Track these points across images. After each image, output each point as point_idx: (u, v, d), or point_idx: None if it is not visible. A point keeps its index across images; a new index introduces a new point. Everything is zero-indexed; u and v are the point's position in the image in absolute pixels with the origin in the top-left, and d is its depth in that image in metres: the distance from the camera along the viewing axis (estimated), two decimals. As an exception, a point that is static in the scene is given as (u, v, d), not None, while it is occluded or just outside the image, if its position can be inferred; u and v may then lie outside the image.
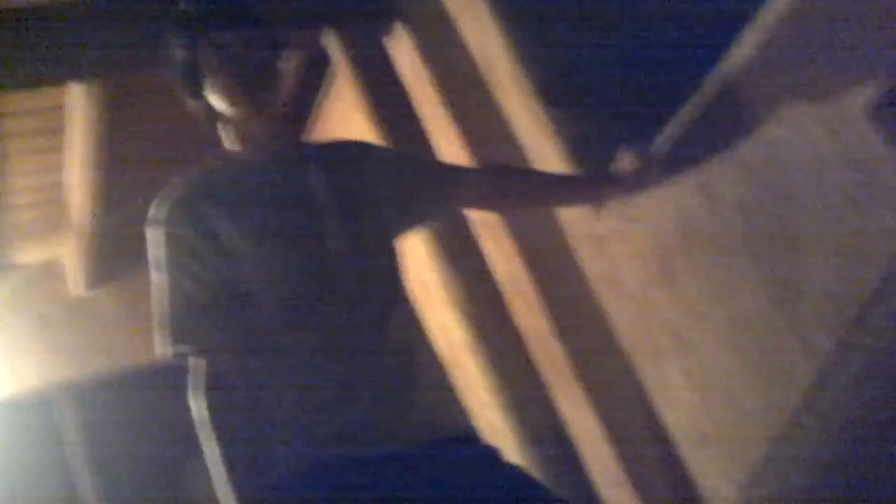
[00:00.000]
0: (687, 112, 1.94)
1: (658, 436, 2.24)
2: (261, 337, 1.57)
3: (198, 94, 1.68)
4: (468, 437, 1.70)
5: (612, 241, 2.21)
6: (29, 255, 4.55)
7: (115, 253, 4.30)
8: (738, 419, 1.97)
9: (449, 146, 2.80)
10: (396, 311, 1.66)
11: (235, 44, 1.64)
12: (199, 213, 1.59)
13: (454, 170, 2.03)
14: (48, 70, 2.66)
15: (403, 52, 2.92)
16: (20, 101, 3.28)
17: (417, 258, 2.68)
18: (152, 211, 1.63)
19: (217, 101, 1.66)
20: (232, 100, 1.65)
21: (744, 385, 1.94)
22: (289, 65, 1.76)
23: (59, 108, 3.39)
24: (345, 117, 3.42)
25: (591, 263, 2.33)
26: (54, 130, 3.54)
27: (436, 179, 1.90)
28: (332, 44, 2.90)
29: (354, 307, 1.59)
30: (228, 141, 1.71)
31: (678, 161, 1.97)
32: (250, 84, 1.64)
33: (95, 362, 4.59)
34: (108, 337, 4.62)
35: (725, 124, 1.85)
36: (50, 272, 4.66)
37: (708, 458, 2.11)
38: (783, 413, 1.81)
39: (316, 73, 3.47)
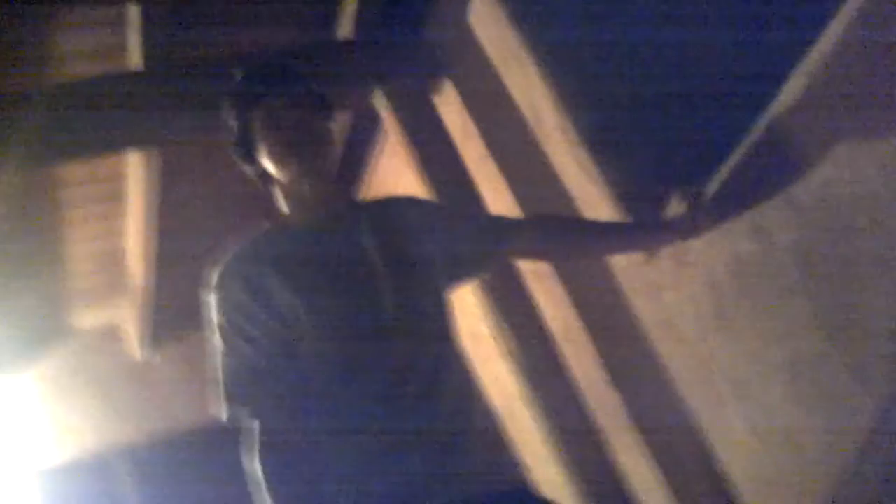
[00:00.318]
0: (738, 155, 1.95)
1: (720, 485, 2.20)
2: (315, 396, 1.59)
3: (252, 160, 1.73)
4: (523, 491, 1.69)
5: (666, 287, 2.20)
6: (88, 319, 4.64)
7: (172, 316, 4.37)
8: (801, 464, 1.93)
9: (498, 199, 2.82)
10: (449, 366, 1.67)
11: (286, 109, 1.69)
12: (253, 276, 1.62)
13: (504, 222, 2.05)
14: (108, 139, 2.76)
15: (451, 108, 2.97)
16: (82, 169, 3.38)
17: (468, 310, 2.69)
18: (208, 276, 1.67)
19: (270, 165, 1.70)
20: (284, 163, 1.69)
21: (805, 429, 1.90)
22: (339, 126, 1.81)
23: (118, 177, 3.49)
24: (396, 174, 3.47)
25: (645, 310, 2.32)
26: (114, 198, 3.64)
27: (486, 232, 1.92)
28: (381, 102, 2.96)
29: (408, 364, 1.61)
30: (282, 204, 1.75)
31: (730, 204, 1.97)
32: (301, 148, 1.68)
33: (154, 425, 4.63)
34: (166, 399, 4.67)
35: (777, 166, 1.85)
36: (109, 336, 4.73)
37: (771, 503, 2.07)
38: (846, 456, 1.78)
39: (367, 133, 3.53)
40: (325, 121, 1.74)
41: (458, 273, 1.86)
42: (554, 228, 2.04)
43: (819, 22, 1.73)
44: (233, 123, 1.72)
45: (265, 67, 1.77)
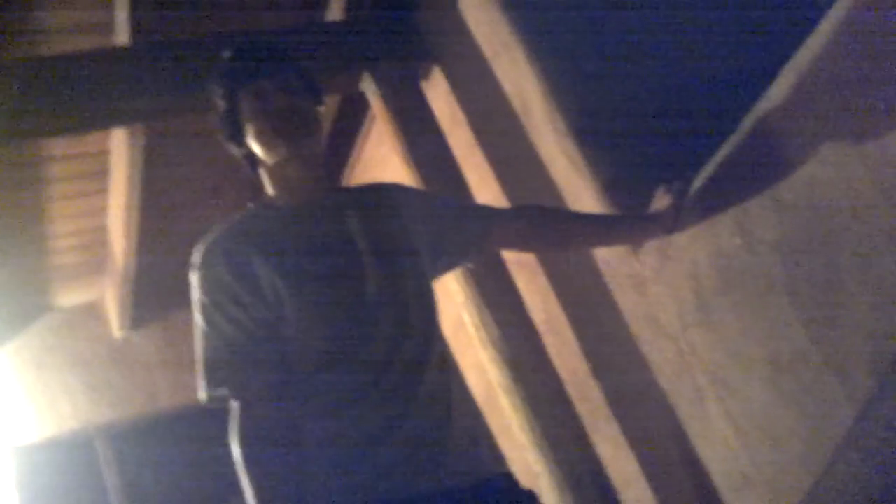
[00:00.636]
0: (724, 152, 1.95)
1: (698, 477, 2.21)
2: (297, 379, 1.58)
3: (239, 141, 1.72)
4: (504, 480, 1.69)
5: (650, 281, 2.20)
6: (70, 297, 4.62)
7: (154, 295, 4.36)
8: (780, 460, 1.94)
9: (485, 187, 2.82)
10: (433, 353, 1.67)
11: (275, 91, 1.68)
12: (238, 257, 1.61)
13: (490, 211, 2.05)
14: (93, 115, 2.73)
15: (440, 94, 2.96)
16: (64, 145, 3.36)
17: (451, 298, 2.69)
18: (193, 256, 1.66)
19: (257, 148, 1.69)
20: (271, 146, 1.68)
21: (784, 425, 1.91)
22: (326, 110, 1.80)
23: (102, 154, 3.47)
24: (382, 160, 3.46)
25: (628, 303, 2.32)
26: (97, 175, 3.61)
27: (471, 221, 1.92)
28: (369, 87, 2.95)
29: (392, 349, 1.61)
30: (268, 186, 1.74)
31: (715, 200, 1.97)
32: (289, 130, 1.67)
33: (135, 403, 4.62)
34: (147, 377, 4.66)
35: (763, 164, 1.85)
36: (90, 314, 4.72)
37: (749, 499, 2.08)
38: (824, 453, 1.79)
39: (354, 117, 3.52)
40: (313, 104, 1.73)
41: (442, 261, 1.86)
42: (539, 219, 2.04)
43: (808, 20, 1.73)
44: (220, 103, 1.70)
45: (254, 48, 1.76)
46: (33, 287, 4.41)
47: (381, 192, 1.85)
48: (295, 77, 1.72)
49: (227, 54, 1.75)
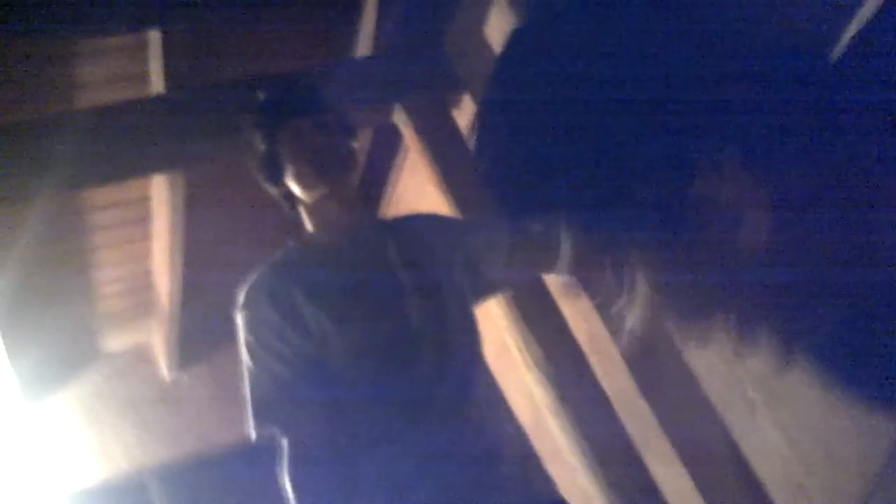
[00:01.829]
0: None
1: (752, 490, 2.18)
2: (343, 413, 1.60)
3: (277, 181, 1.74)
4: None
5: (693, 295, 2.19)
6: (118, 342, 4.68)
7: (201, 335, 4.40)
8: (834, 468, 1.92)
9: (521, 211, 2.82)
10: (476, 381, 1.67)
11: (314, 130, 1.70)
12: (281, 294, 1.63)
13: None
14: (133, 164, 2.78)
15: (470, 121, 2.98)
16: (106, 194, 3.42)
17: (494, 320, 2.69)
18: (239, 297, 1.68)
19: (296, 187, 1.72)
20: (311, 185, 1.70)
21: (837, 434, 1.89)
22: (360, 143, 1.82)
23: (143, 200, 3.53)
24: (418, 189, 3.48)
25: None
26: (140, 221, 3.67)
27: (510, 246, 1.92)
28: (400, 118, 2.97)
29: (436, 380, 1.62)
30: (307, 224, 1.77)
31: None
32: (329, 169, 1.70)
33: (186, 443, 4.66)
34: (195, 419, 4.70)
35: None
36: (137, 358, 4.77)
37: (806, 510, 2.05)
38: (879, 460, 1.76)
39: (387, 148, 3.55)
40: (350, 141, 1.76)
41: (483, 287, 1.87)
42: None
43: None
44: (259, 145, 1.73)
45: (290, 88, 1.79)
46: (82, 334, 4.48)
47: (419, 223, 1.87)
48: (330, 115, 1.74)
49: (262, 96, 1.78)
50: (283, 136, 1.71)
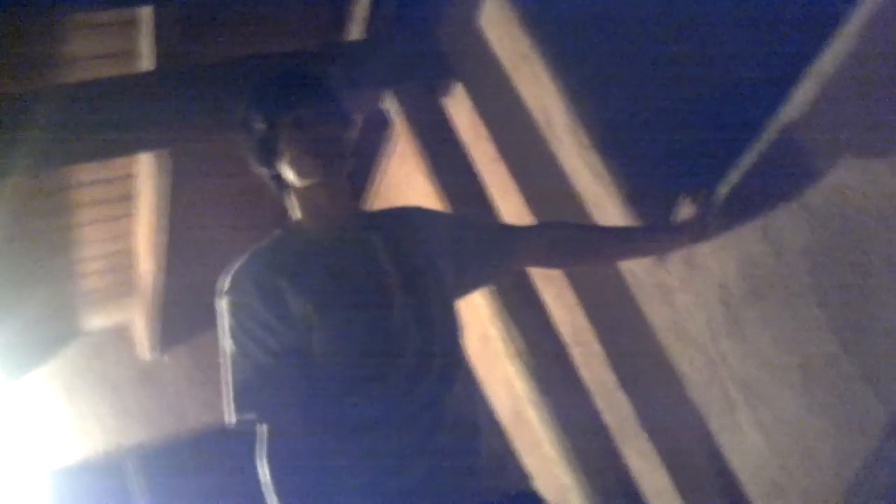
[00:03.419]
0: (748, 159, 1.94)
1: (730, 488, 2.19)
2: (325, 403, 1.59)
3: (271, 165, 1.73)
4: (530, 497, 1.69)
5: (677, 291, 2.20)
6: (97, 320, 4.66)
7: (182, 317, 4.39)
8: (812, 469, 1.93)
9: (509, 202, 2.82)
10: (458, 374, 1.68)
11: (317, 121, 1.69)
12: (267, 282, 1.62)
13: (513, 230, 2.06)
14: (118, 141, 2.76)
15: (462, 110, 2.97)
16: (90, 171, 3.39)
17: (478, 311, 2.69)
18: (220, 282, 1.67)
19: (290, 172, 1.71)
20: (307, 172, 1.69)
21: (816, 434, 1.90)
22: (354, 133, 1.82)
23: (128, 178, 3.50)
24: (406, 177, 3.47)
25: (656, 313, 2.31)
26: (124, 199, 3.65)
27: (495, 241, 1.92)
28: (391, 106, 2.97)
29: (418, 372, 1.62)
30: (295, 209, 1.76)
31: (741, 208, 1.96)
32: (326, 158, 1.69)
33: (164, 424, 4.65)
34: (176, 399, 4.69)
35: (788, 170, 1.85)
36: (119, 337, 4.75)
37: (783, 509, 2.06)
38: (856, 461, 1.77)
39: (377, 135, 3.54)
40: (349, 133, 1.75)
41: (466, 281, 1.87)
42: (563, 235, 2.04)
43: (832, 23, 1.72)
44: (259, 127, 1.71)
45: (294, 76, 1.77)
46: (62, 312, 4.46)
47: (405, 216, 1.86)
48: (333, 106, 1.74)
49: (267, 81, 1.77)
50: (286, 121, 1.70)
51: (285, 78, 1.76)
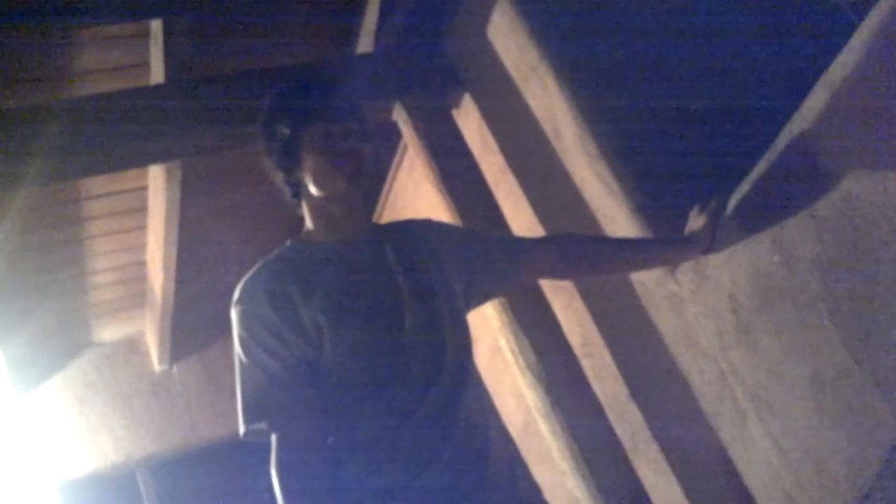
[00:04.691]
0: (759, 169, 1.94)
1: (741, 500, 2.18)
2: (335, 412, 1.59)
3: (289, 171, 1.74)
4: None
5: (687, 301, 2.19)
6: (110, 332, 4.67)
7: (193, 328, 4.40)
8: (824, 480, 1.92)
9: (518, 212, 2.82)
10: (467, 385, 1.67)
11: (342, 133, 1.70)
12: (280, 293, 1.62)
13: (522, 242, 2.06)
14: (130, 153, 2.77)
15: (471, 121, 2.98)
16: (101, 183, 3.41)
17: (487, 323, 2.69)
18: (235, 293, 1.67)
19: (310, 182, 1.71)
20: (328, 184, 1.70)
21: (828, 444, 1.89)
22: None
23: (140, 190, 3.52)
24: (415, 188, 3.48)
25: (667, 324, 2.31)
26: (135, 211, 3.67)
27: (504, 254, 1.93)
28: (400, 116, 2.97)
29: (428, 383, 1.62)
30: (308, 219, 1.76)
31: (752, 218, 1.96)
32: (350, 172, 1.69)
33: (176, 435, 4.66)
34: (187, 410, 4.70)
35: (799, 180, 1.84)
36: (131, 349, 4.77)
37: (795, 521, 2.05)
38: (868, 472, 1.76)
39: (386, 146, 3.54)
40: (370, 147, 1.76)
41: (476, 294, 1.87)
42: (572, 247, 2.03)
43: (841, 35, 1.72)
44: (284, 132, 1.71)
45: (328, 87, 1.78)
46: (73, 324, 4.47)
47: (415, 229, 1.87)
48: (361, 122, 1.74)
49: (295, 87, 1.77)
50: (312, 131, 1.70)
51: (314, 87, 1.76)
